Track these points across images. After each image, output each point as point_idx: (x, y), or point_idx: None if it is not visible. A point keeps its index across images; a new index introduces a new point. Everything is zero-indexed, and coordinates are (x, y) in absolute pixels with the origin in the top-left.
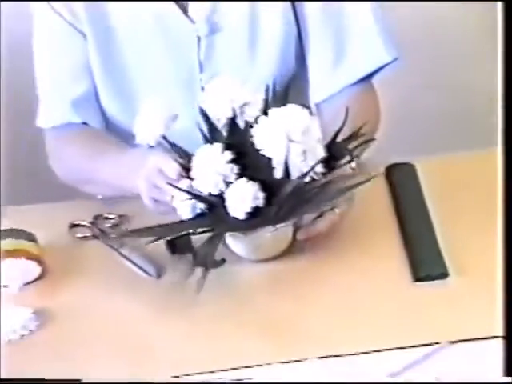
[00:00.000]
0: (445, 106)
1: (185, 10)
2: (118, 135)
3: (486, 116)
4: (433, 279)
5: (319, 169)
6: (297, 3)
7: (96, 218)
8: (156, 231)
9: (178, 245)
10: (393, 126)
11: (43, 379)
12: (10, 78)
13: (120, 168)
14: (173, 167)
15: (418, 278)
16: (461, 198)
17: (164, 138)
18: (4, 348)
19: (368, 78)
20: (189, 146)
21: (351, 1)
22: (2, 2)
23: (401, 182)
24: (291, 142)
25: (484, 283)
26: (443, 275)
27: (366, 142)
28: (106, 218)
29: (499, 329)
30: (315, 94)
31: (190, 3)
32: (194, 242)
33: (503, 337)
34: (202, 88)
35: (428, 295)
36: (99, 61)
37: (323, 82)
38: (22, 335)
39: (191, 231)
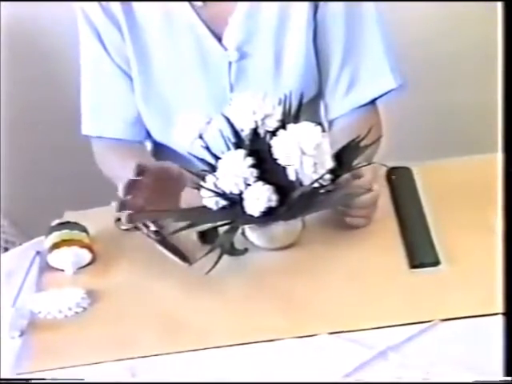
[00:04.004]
0: (442, 116)
1: (219, 39)
2: (163, 152)
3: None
4: (426, 266)
5: (327, 176)
6: (318, 39)
7: None
8: (183, 214)
9: (207, 236)
10: (395, 136)
11: (43, 379)
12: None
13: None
14: None
15: (413, 266)
16: (451, 197)
17: (201, 137)
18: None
19: (375, 100)
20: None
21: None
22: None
23: (399, 183)
24: (304, 154)
25: (469, 270)
26: (435, 263)
27: (369, 144)
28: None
29: (483, 308)
30: (329, 112)
31: (224, 33)
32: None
33: (485, 315)
34: None
35: (422, 280)
36: (142, 92)
37: (337, 103)
38: (76, 312)
39: (215, 223)
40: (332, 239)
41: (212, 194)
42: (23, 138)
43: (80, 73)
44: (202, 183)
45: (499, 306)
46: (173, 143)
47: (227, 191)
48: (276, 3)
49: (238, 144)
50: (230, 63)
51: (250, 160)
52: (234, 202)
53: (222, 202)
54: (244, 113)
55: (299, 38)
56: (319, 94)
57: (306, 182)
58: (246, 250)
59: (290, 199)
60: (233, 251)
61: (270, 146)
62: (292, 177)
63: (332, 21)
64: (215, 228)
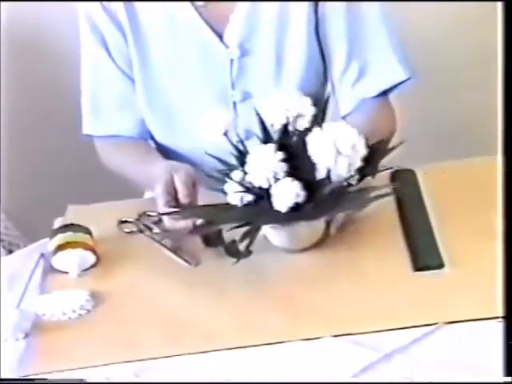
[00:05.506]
0: (445, 118)
1: (221, 37)
2: (165, 154)
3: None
4: (430, 269)
5: (355, 176)
6: (321, 34)
7: (140, 215)
8: (204, 211)
9: (210, 238)
10: (398, 138)
11: (44, 379)
12: None
13: (147, 175)
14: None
15: (417, 268)
16: (455, 200)
17: (225, 134)
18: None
19: (385, 93)
20: (220, 152)
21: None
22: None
23: (403, 186)
24: (339, 154)
25: (473, 273)
26: (439, 266)
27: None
28: (149, 215)
29: (487, 311)
30: (340, 107)
31: (225, 31)
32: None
33: (488, 318)
34: (234, 103)
35: (426, 283)
36: (144, 93)
37: (345, 95)
38: (80, 314)
39: (237, 221)
40: (335, 242)
41: (238, 189)
42: (24, 140)
43: (80, 73)
44: (231, 177)
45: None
46: (174, 144)
47: (256, 185)
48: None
49: (266, 139)
50: (231, 60)
51: (280, 154)
52: (260, 198)
53: (248, 198)
54: (278, 108)
55: (300, 35)
56: (324, 93)
57: (334, 179)
58: (249, 253)
59: (319, 196)
60: (237, 253)
61: (299, 143)
62: (322, 174)
63: (333, 15)
64: (219, 230)
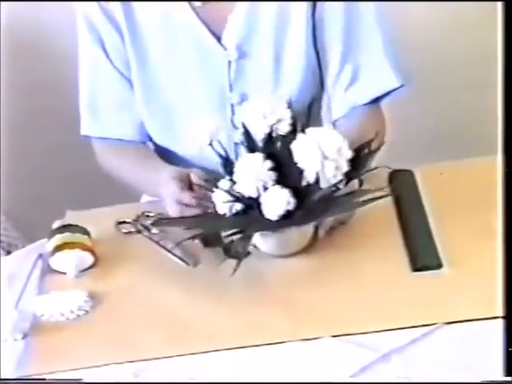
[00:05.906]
0: (445, 118)
1: (219, 39)
2: (163, 155)
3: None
4: (429, 269)
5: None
6: (317, 37)
7: (138, 215)
8: (195, 221)
9: (209, 239)
10: (397, 138)
11: (43, 379)
12: None
13: (149, 181)
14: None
15: (415, 269)
16: (453, 200)
17: (210, 144)
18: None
19: (377, 100)
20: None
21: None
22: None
23: (402, 186)
24: (326, 159)
25: (472, 273)
26: (437, 266)
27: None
28: (147, 216)
29: (486, 311)
30: (332, 112)
31: (223, 33)
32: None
33: (487, 318)
34: (232, 105)
35: (424, 283)
36: (142, 94)
37: (338, 101)
38: (78, 315)
39: (224, 232)
40: (334, 243)
41: (227, 198)
42: (24, 140)
43: (79, 74)
44: (220, 187)
45: (502, 308)
46: (173, 146)
47: (246, 195)
48: (275, 2)
49: (252, 148)
50: (229, 62)
51: (268, 163)
52: (249, 207)
53: (237, 208)
54: (257, 117)
55: (299, 37)
56: (320, 96)
57: (323, 185)
58: (248, 253)
59: (309, 202)
60: (236, 254)
61: (284, 150)
62: (311, 180)
63: (330, 19)
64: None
